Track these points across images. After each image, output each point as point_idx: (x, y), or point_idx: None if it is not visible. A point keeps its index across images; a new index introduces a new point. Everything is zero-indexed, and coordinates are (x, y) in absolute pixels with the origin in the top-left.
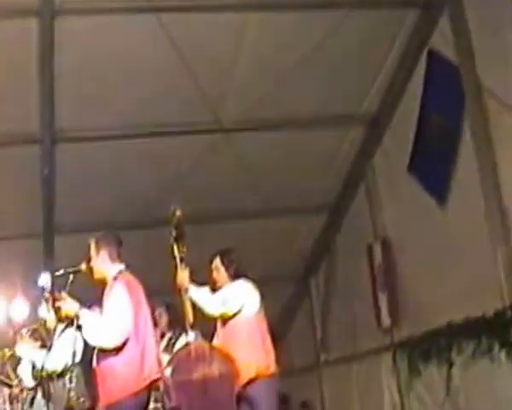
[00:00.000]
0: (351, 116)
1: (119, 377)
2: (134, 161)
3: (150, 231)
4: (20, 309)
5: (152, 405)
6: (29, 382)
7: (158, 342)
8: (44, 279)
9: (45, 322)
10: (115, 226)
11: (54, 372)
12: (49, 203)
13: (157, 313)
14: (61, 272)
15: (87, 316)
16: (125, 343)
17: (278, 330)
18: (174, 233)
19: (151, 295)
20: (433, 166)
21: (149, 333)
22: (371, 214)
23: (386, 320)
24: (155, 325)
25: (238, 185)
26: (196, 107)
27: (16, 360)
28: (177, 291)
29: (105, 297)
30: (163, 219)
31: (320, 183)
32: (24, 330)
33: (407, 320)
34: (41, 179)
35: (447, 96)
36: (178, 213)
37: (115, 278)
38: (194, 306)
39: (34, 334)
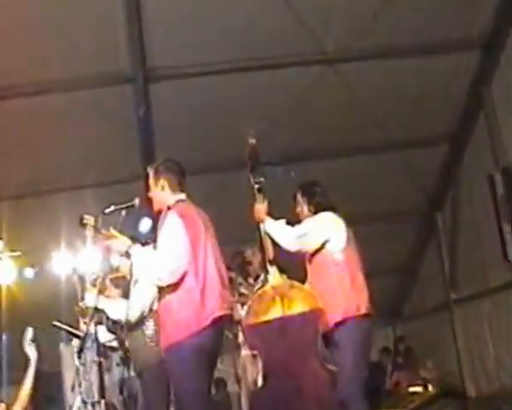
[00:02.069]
0: (464, 40)
1: (177, 316)
2: (237, 96)
3: None
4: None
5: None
6: (103, 334)
7: (224, 278)
8: (146, 225)
9: (117, 269)
10: (219, 166)
11: (128, 322)
12: (147, 144)
13: (250, 252)
14: (112, 208)
15: (139, 252)
16: (182, 279)
17: (409, 267)
18: (249, 163)
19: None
20: None
21: (210, 267)
22: (491, 143)
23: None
24: (249, 264)
25: (350, 120)
26: (298, 36)
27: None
28: (255, 225)
29: (158, 230)
30: (269, 157)
31: (438, 112)
32: (92, 279)
33: None
34: (137, 120)
35: None
36: (252, 141)
37: (169, 208)
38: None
39: (114, 282)
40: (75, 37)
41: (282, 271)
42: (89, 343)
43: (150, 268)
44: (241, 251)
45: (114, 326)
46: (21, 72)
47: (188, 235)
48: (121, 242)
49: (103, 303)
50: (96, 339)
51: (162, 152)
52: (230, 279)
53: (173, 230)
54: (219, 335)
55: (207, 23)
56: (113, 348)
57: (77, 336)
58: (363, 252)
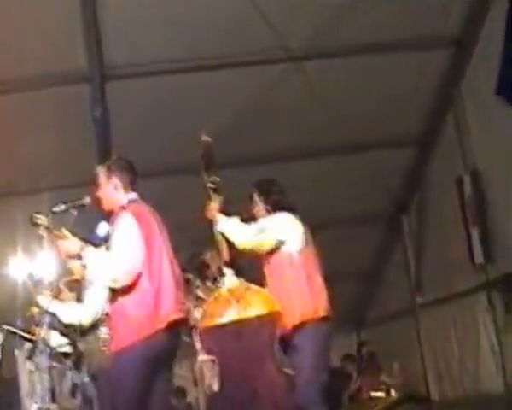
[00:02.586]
0: (434, 37)
1: (130, 318)
2: (196, 95)
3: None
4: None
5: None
6: (56, 338)
7: (178, 280)
8: (103, 228)
9: (71, 272)
10: (179, 168)
11: (82, 326)
12: (104, 144)
13: (208, 255)
14: (62, 207)
15: (90, 253)
16: (136, 281)
17: (373, 272)
18: (203, 162)
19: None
20: None
21: (166, 269)
22: (460, 145)
23: (479, 257)
24: (207, 267)
25: (314, 120)
26: (261, 33)
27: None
28: (209, 225)
29: (110, 230)
30: (232, 159)
31: (405, 112)
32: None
33: (501, 257)
34: (93, 121)
35: None
36: (204, 138)
37: (123, 208)
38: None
39: (69, 285)
40: (31, 36)
41: (238, 273)
42: (41, 348)
43: (104, 270)
44: (199, 253)
45: (68, 330)
46: None
47: (142, 236)
48: (73, 243)
49: (55, 307)
50: (48, 344)
51: (119, 152)
52: (188, 281)
53: (127, 231)
54: (174, 338)
55: (166, 21)
56: (65, 354)
57: (29, 341)
58: (326, 256)
